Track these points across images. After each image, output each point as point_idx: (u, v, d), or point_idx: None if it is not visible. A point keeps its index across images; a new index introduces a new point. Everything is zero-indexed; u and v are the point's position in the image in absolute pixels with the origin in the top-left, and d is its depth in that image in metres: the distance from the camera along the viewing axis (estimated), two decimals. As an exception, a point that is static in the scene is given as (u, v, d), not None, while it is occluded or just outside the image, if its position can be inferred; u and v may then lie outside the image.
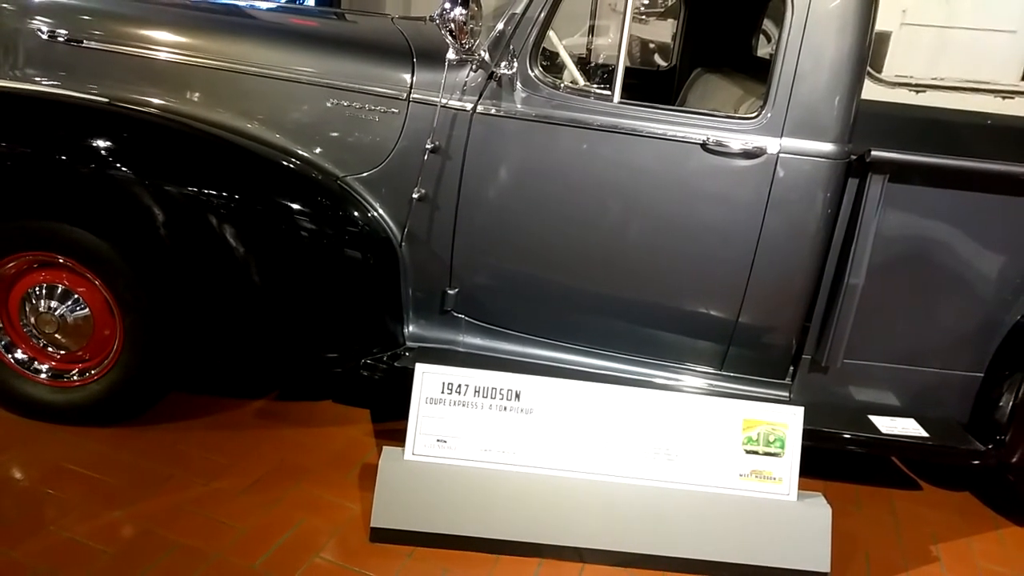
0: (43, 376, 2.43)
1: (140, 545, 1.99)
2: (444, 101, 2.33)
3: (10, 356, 2.43)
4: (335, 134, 2.46)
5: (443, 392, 2.18)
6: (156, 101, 2.48)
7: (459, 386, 2.18)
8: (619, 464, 2.15)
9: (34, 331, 2.41)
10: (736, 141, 2.21)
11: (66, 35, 2.49)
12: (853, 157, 2.21)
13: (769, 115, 2.19)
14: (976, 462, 2.34)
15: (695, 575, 2.10)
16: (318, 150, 2.47)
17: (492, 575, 2.04)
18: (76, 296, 2.36)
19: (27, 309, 2.39)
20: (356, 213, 2.44)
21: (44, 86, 2.52)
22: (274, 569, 1.97)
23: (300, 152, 2.47)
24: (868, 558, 2.27)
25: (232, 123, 2.47)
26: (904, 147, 2.23)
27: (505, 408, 2.18)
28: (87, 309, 2.37)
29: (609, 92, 2.28)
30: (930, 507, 2.55)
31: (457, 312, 2.53)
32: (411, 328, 2.56)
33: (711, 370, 2.47)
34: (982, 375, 2.39)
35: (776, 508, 2.14)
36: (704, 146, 2.22)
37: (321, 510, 2.20)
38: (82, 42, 2.50)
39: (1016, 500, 2.49)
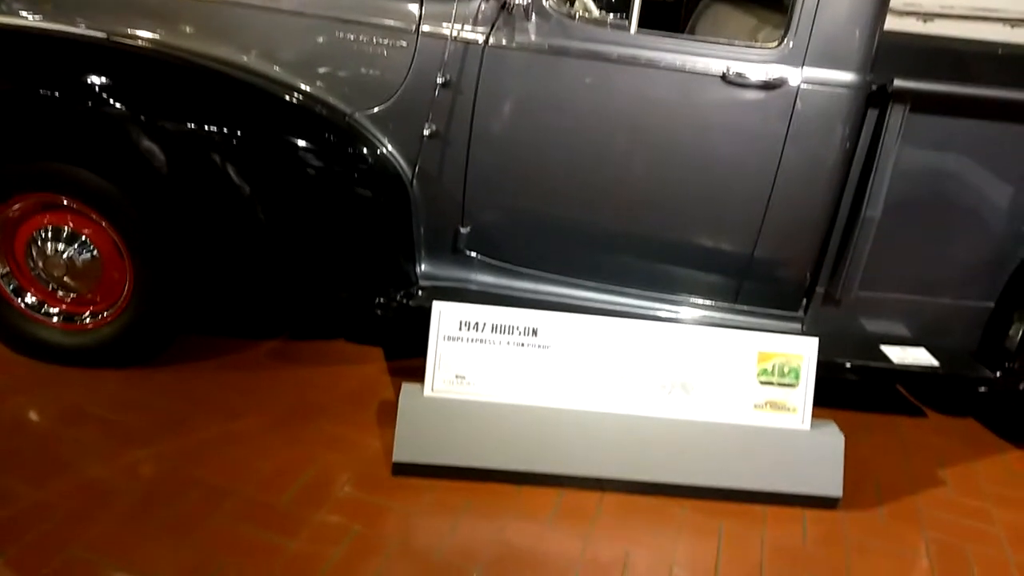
0: (55, 320, 2.41)
1: (165, 484, 2.01)
2: (455, 33, 2.26)
3: (20, 301, 2.40)
4: (342, 69, 2.39)
5: (461, 329, 2.18)
6: (153, 35, 2.40)
7: (476, 323, 2.18)
8: (636, 397, 2.18)
9: (43, 275, 2.38)
10: (756, 72, 2.17)
11: (56, -34, 2.39)
12: (874, 87, 2.18)
13: (791, 44, 2.15)
14: (985, 389, 2.39)
15: (712, 501, 2.15)
16: (325, 86, 2.41)
17: (515, 505, 2.08)
18: (83, 238, 2.33)
19: (34, 253, 2.35)
20: (365, 150, 2.40)
21: (32, 21, 2.42)
22: (301, 504, 1.99)
23: (307, 89, 2.41)
24: (878, 483, 2.34)
25: (235, 58, 2.40)
26: (913, 77, 2.19)
27: (522, 344, 2.19)
28: (95, 251, 2.33)
29: (626, 22, 2.22)
30: (936, 434, 2.62)
31: (469, 250, 2.52)
32: (423, 267, 2.55)
33: (725, 303, 2.48)
34: (993, 305, 2.42)
35: (790, 437, 2.18)
36: (724, 77, 2.18)
37: (342, 447, 2.22)
38: None
39: (1022, 426, 2.55)
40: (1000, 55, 3.16)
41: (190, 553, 1.80)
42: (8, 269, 2.39)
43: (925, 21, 4.00)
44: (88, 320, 2.41)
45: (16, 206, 2.30)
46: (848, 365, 2.37)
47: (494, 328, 2.19)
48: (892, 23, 3.95)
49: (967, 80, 2.53)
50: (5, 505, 1.88)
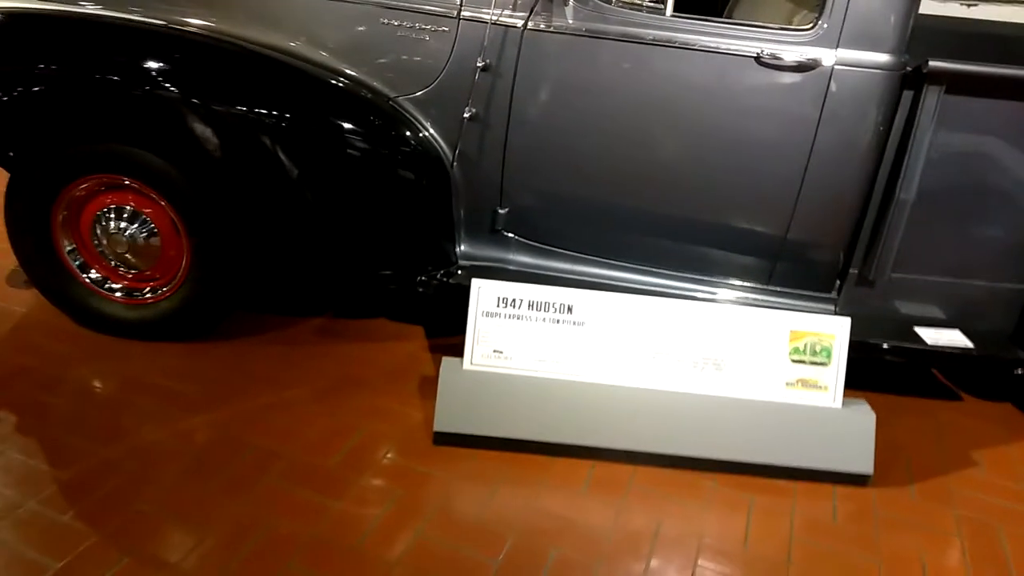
0: (118, 294, 2.56)
1: (219, 447, 2.13)
2: (495, 18, 2.33)
3: (85, 276, 2.55)
4: (386, 54, 2.48)
5: (499, 306, 2.26)
6: (207, 23, 2.51)
7: (514, 300, 2.26)
8: (669, 374, 2.24)
9: (106, 252, 2.52)
10: (790, 53, 2.20)
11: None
12: (909, 68, 2.19)
13: (826, 26, 2.17)
14: (1021, 371, 2.38)
15: (743, 476, 2.20)
16: (369, 71, 2.49)
17: (550, 475, 2.15)
18: (144, 217, 2.46)
19: (99, 231, 2.50)
20: (408, 133, 2.48)
21: (89, 9, 2.54)
22: (347, 469, 2.10)
23: (352, 73, 2.50)
24: (909, 462, 2.36)
25: (284, 44, 2.50)
26: (951, 59, 2.20)
27: (558, 321, 2.26)
28: (155, 229, 2.46)
29: (662, 5, 2.27)
30: (971, 417, 2.62)
31: (507, 231, 2.59)
32: (463, 247, 2.63)
33: (758, 285, 2.51)
34: (1029, 286, 2.41)
35: (822, 414, 2.22)
36: (758, 59, 2.21)
37: (385, 417, 2.33)
38: None
39: (1059, 410, 2.55)
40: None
41: (243, 510, 1.92)
42: (74, 246, 2.54)
43: (969, 6, 3.94)
44: (148, 295, 2.55)
45: (83, 186, 2.44)
46: (882, 346, 2.38)
47: (531, 305, 2.26)
48: (935, 8, 3.90)
49: (1006, 62, 2.52)
50: (74, 463, 2.02)
